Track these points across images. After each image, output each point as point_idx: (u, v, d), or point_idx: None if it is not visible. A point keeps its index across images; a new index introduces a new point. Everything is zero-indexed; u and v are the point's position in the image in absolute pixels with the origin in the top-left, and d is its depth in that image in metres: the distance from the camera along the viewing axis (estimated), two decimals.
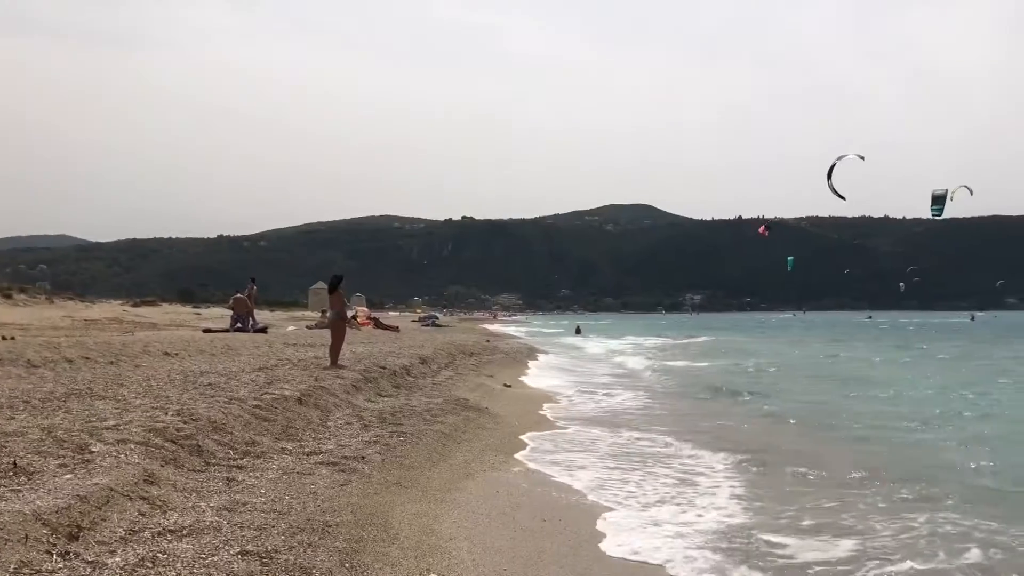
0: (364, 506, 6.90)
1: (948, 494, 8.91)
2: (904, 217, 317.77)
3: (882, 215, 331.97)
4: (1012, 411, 16.83)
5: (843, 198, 18.23)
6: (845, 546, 7.11)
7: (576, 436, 12.88)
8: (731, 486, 9.44)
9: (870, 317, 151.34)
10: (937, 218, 30.22)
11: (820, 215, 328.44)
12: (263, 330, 29.63)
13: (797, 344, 51.41)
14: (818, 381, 24.67)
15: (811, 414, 16.38)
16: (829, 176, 18.88)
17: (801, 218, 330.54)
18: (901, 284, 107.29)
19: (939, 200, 29.46)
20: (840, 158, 19.02)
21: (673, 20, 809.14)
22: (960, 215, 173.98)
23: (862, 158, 18.95)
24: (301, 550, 5.36)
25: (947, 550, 6.91)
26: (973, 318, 78.55)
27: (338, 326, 16.52)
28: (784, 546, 7.11)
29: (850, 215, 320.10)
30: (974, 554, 6.81)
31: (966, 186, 28.25)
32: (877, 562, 6.68)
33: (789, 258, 72.05)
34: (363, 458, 8.64)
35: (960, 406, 17.67)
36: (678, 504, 8.61)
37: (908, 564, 6.59)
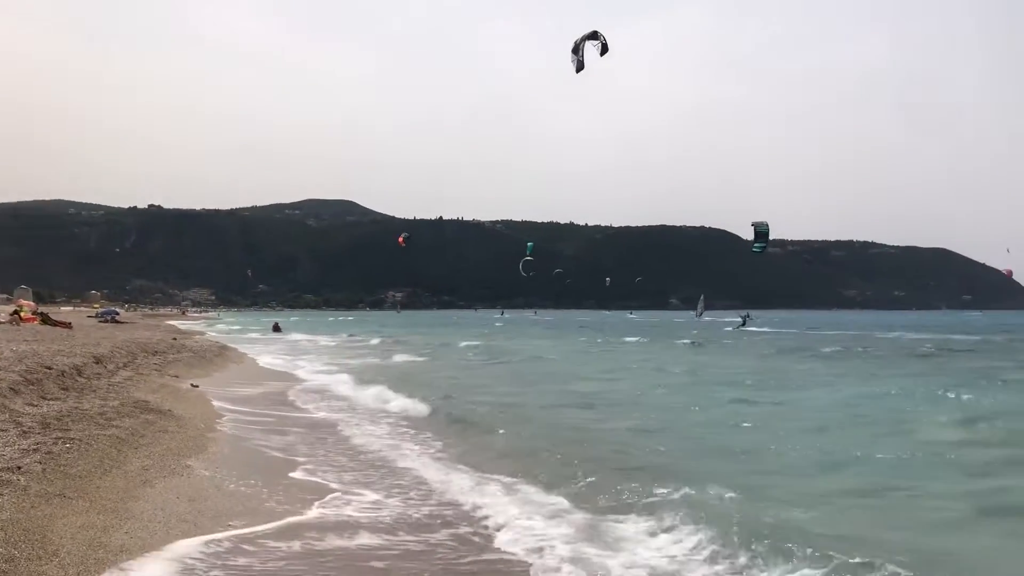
0: (17, 521, 6.24)
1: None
2: (587, 224, 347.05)
3: (568, 221, 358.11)
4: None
5: (582, 67, 18.97)
6: None
7: (258, 434, 12.68)
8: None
9: (536, 312, 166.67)
10: (756, 252, 31.79)
11: (514, 219, 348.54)
12: None
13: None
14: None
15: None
16: (577, 49, 19.26)
17: (497, 221, 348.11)
18: (608, 279, 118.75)
19: (762, 237, 30.86)
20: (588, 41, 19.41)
21: (381, 20, 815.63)
22: (633, 223, 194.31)
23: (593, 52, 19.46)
24: None
25: None
26: (744, 322, 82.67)
27: None
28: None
29: (540, 220, 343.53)
30: None
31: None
32: None
33: (529, 244, 74.91)
34: (19, 468, 7.79)
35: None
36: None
37: None
